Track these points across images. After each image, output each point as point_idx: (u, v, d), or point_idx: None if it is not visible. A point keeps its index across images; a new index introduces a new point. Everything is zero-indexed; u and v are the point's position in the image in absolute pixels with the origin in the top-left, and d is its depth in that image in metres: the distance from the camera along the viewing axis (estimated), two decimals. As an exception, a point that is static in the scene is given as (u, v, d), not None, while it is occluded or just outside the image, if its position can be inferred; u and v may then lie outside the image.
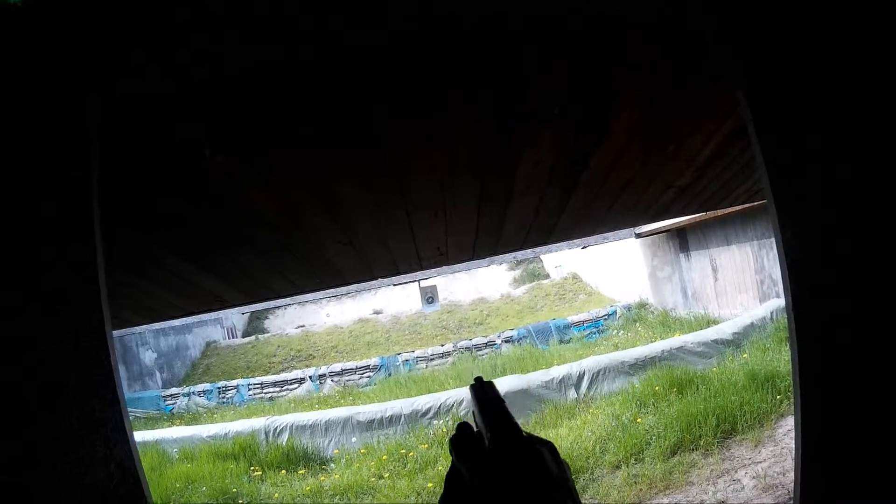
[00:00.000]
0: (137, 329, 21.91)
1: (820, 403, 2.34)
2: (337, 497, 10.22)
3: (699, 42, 2.64)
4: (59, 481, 2.20)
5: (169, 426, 18.36)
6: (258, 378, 24.64)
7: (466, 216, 4.78)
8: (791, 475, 7.46)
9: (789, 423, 9.04)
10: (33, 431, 2.19)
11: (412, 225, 4.69)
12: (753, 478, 7.83)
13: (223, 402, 23.19)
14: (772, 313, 13.89)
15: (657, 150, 4.24)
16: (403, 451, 11.45)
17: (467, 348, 23.05)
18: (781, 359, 11.17)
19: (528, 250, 18.99)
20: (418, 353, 23.66)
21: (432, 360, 22.96)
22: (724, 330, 14.06)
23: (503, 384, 13.15)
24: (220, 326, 32.50)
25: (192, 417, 21.10)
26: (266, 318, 35.61)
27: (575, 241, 17.85)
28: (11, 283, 2.20)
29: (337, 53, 2.34)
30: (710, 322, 17.66)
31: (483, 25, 2.33)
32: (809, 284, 2.26)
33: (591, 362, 13.69)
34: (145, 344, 26.44)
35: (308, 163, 3.19)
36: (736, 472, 8.17)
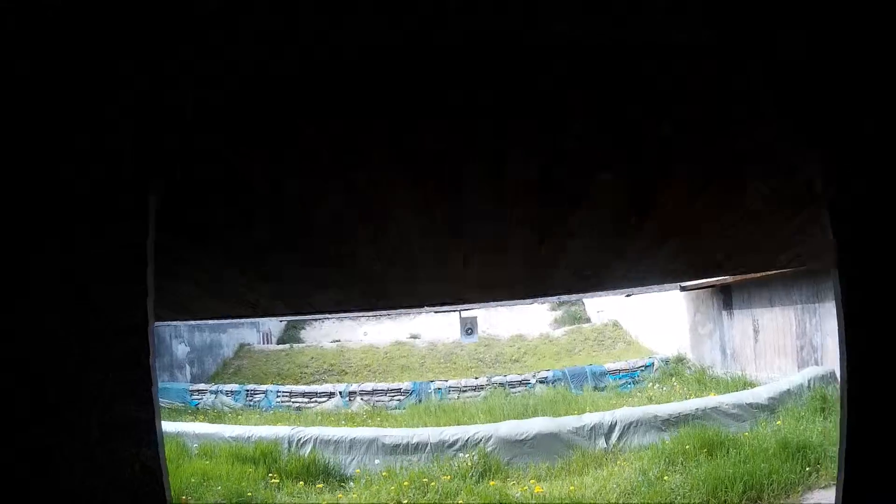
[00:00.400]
0: (173, 321, 22.10)
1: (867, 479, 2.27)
2: (352, 517, 10.14)
3: (767, 96, 2.59)
4: (83, 476, 2.16)
5: (192, 420, 18.43)
6: (288, 386, 24.69)
7: (521, 254, 4.72)
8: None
9: (815, 497, 8.90)
10: (57, 426, 2.16)
11: (465, 257, 4.64)
12: (773, 551, 7.66)
13: (249, 405, 23.24)
14: (809, 381, 13.63)
15: (717, 206, 4.17)
16: (426, 479, 11.31)
17: (501, 384, 22.78)
18: (815, 429, 10.97)
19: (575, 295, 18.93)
20: (451, 382, 23.50)
21: (465, 391, 22.78)
22: (759, 394, 13.82)
23: (534, 425, 13.05)
24: (256, 330, 32.70)
25: (217, 416, 21.17)
26: (303, 328, 35.77)
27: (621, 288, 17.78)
28: (57, 277, 2.17)
29: (400, 63, 2.30)
30: (746, 384, 17.48)
31: (539, 56, 2.29)
32: (869, 357, 2.19)
33: (623, 413, 13.52)
34: (179, 337, 26.68)
35: (360, 177, 3.15)
36: (757, 543, 8.01)
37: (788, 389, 13.63)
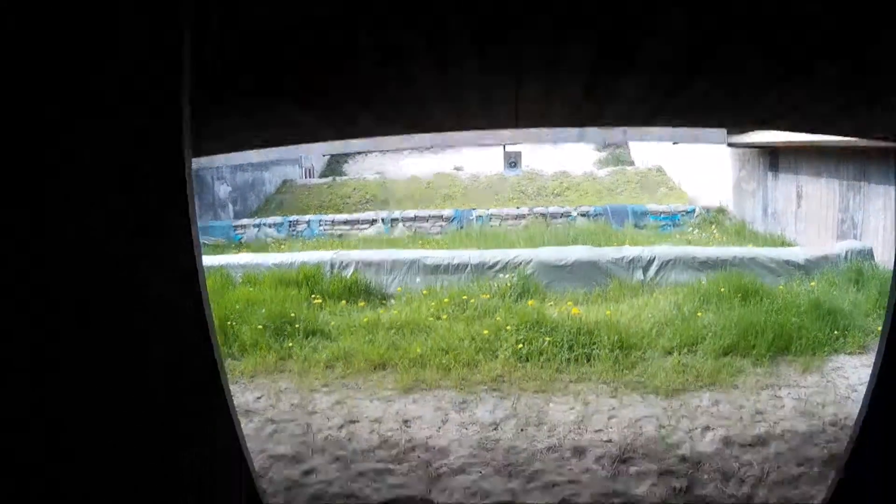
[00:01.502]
0: (215, 162, 22.06)
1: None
2: (393, 331, 10.45)
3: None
4: (119, 286, 2.25)
5: (236, 253, 18.78)
6: (330, 215, 25.06)
7: (578, 76, 4.62)
8: (830, 409, 7.47)
9: (840, 361, 9.02)
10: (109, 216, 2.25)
11: (519, 73, 4.52)
12: (795, 399, 7.83)
13: (293, 235, 23.57)
14: (847, 252, 13.44)
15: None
16: (465, 297, 11.66)
17: (542, 214, 23.05)
18: (847, 298, 10.98)
19: (619, 133, 18.74)
20: (493, 211, 23.80)
21: (506, 220, 23.04)
22: (797, 253, 13.77)
23: (573, 252, 13.41)
24: (299, 166, 32.73)
25: (261, 247, 21.45)
26: (346, 162, 35.77)
27: (666, 134, 17.66)
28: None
29: None
30: (784, 244, 17.52)
31: None
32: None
33: (662, 250, 13.70)
34: (221, 178, 26.77)
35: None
36: (780, 388, 8.17)
37: (826, 255, 13.48)
